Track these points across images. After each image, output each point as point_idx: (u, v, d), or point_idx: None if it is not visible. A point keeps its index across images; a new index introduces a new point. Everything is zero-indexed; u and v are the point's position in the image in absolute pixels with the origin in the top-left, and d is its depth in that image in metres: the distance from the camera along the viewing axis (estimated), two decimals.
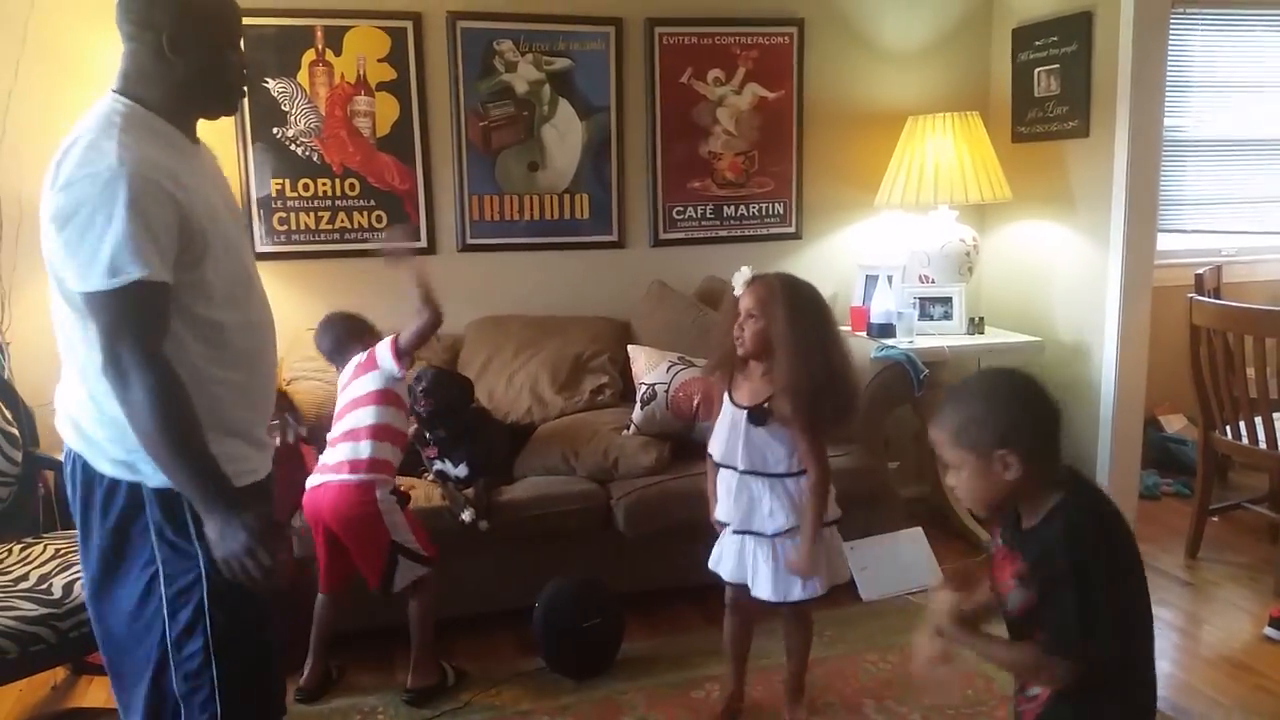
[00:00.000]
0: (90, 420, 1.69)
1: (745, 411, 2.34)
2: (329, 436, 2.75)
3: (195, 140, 1.78)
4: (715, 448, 2.44)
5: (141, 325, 1.55)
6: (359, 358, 2.75)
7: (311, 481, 2.70)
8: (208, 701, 1.73)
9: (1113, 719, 1.55)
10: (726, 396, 2.42)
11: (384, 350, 2.69)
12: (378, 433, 2.67)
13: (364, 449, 2.64)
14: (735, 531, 2.41)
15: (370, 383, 2.71)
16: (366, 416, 2.68)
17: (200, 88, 1.71)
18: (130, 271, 1.52)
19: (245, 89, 1.81)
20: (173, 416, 1.56)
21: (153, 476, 1.65)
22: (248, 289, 1.79)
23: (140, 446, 1.61)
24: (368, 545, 2.63)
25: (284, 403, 2.30)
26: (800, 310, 2.27)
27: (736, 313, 2.34)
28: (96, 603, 1.78)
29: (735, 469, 2.38)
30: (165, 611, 1.71)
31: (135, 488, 1.68)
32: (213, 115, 1.80)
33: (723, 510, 2.44)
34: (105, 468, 1.68)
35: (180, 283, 1.61)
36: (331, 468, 2.66)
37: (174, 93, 1.68)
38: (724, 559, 2.46)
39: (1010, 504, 1.58)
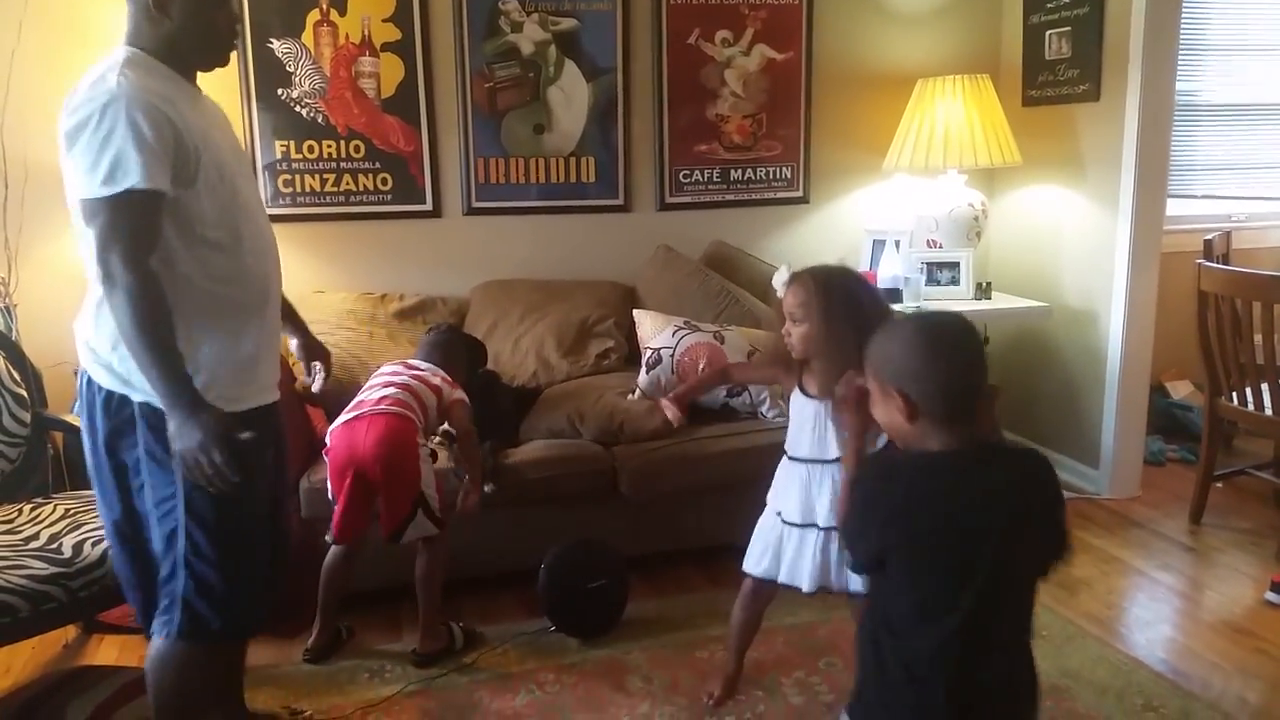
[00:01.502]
0: (94, 335, 1.86)
1: (827, 403, 2.26)
2: (360, 393, 2.77)
3: (195, 86, 1.93)
4: (801, 447, 2.33)
5: (131, 231, 1.70)
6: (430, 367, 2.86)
7: (343, 419, 2.68)
8: (169, 607, 1.89)
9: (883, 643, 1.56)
10: (798, 392, 2.35)
11: (460, 391, 2.86)
12: (418, 382, 2.76)
13: (402, 392, 2.70)
14: (803, 524, 2.32)
15: (425, 368, 2.83)
16: (406, 375, 2.78)
17: (187, 43, 1.86)
18: (124, 180, 1.67)
19: (235, 44, 1.94)
20: (149, 318, 1.71)
21: (140, 391, 1.82)
22: (243, 215, 1.90)
23: (131, 363, 1.77)
24: (399, 485, 2.60)
25: (319, 350, 2.36)
26: (834, 313, 2.18)
27: (783, 315, 2.28)
28: (105, 509, 1.97)
29: (823, 461, 2.30)
30: (153, 520, 1.87)
31: (127, 401, 1.85)
32: (205, 68, 1.94)
33: (795, 510, 2.34)
34: (104, 379, 1.86)
35: (176, 198, 1.76)
36: (370, 403, 2.66)
37: (164, 45, 1.84)
38: (769, 555, 2.38)
39: (903, 440, 1.59)
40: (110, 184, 1.67)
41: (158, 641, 1.94)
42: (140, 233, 1.71)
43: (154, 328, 1.71)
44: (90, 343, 1.87)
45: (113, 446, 1.89)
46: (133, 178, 1.67)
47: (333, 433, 2.68)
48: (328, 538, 2.71)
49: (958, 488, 1.51)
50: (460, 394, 2.85)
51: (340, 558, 2.76)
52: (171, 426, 1.75)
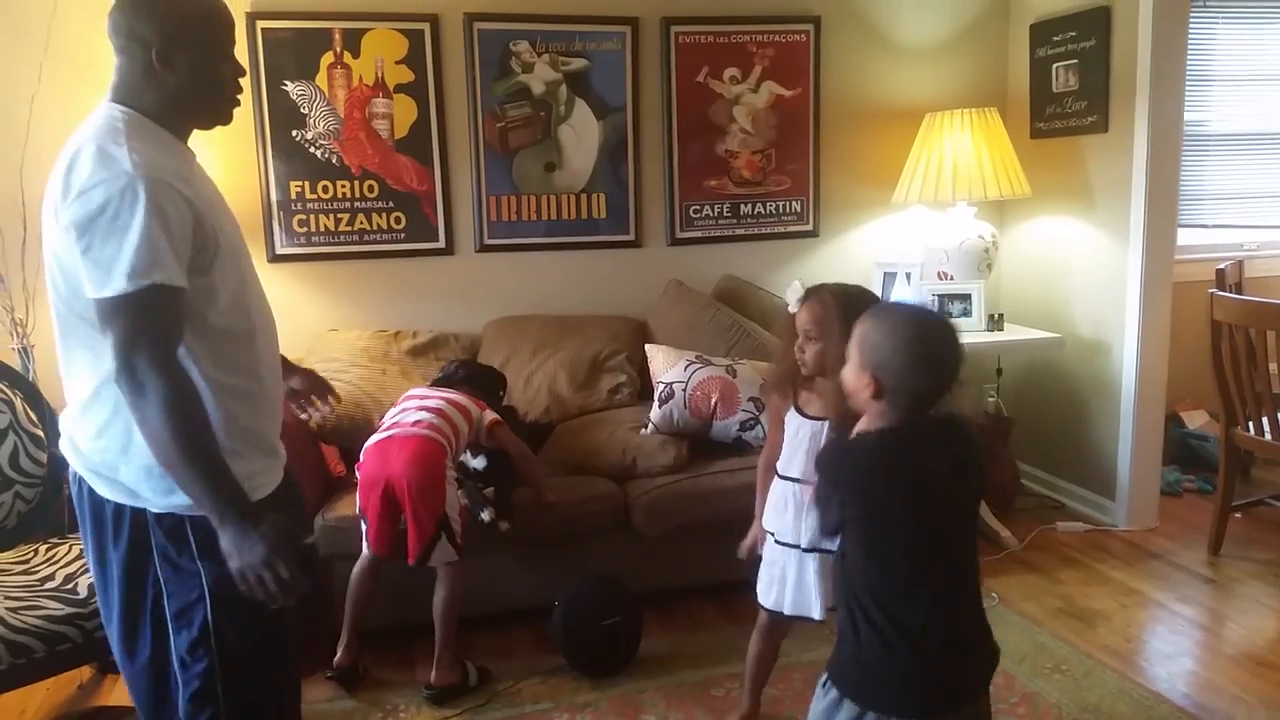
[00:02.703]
0: (92, 442, 1.67)
1: (825, 423, 2.24)
2: (389, 415, 2.85)
3: (190, 149, 1.76)
4: (793, 467, 2.32)
5: (158, 331, 1.53)
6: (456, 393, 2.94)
7: (377, 437, 2.76)
8: None
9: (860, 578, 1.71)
10: (794, 412, 2.34)
11: (491, 412, 2.97)
12: (450, 405, 2.84)
13: (436, 417, 2.77)
14: (806, 549, 2.31)
15: (456, 393, 2.91)
16: (438, 399, 2.85)
17: (191, 99, 1.69)
18: (150, 275, 1.49)
19: (239, 99, 1.77)
20: (188, 425, 1.52)
21: (154, 501, 1.64)
22: (250, 294, 1.76)
23: (140, 473, 1.61)
24: (424, 503, 2.65)
25: (319, 382, 2.23)
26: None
27: (794, 332, 2.25)
28: (118, 628, 1.75)
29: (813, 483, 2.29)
30: (170, 630, 1.70)
31: (139, 513, 1.66)
32: (206, 126, 1.76)
33: (788, 530, 2.34)
34: (107, 491, 1.67)
35: (193, 288, 1.58)
36: (406, 424, 2.74)
37: (166, 103, 1.66)
38: (775, 585, 2.37)
39: (855, 407, 1.76)
40: (136, 280, 1.48)
41: None
42: (167, 331, 1.53)
43: (195, 436, 1.52)
44: (84, 448, 1.68)
45: (125, 560, 1.69)
46: (160, 272, 1.49)
47: (366, 450, 2.76)
48: (366, 550, 2.77)
49: (916, 457, 1.67)
50: (493, 414, 2.94)
51: (368, 568, 2.80)
52: (225, 543, 1.55)
